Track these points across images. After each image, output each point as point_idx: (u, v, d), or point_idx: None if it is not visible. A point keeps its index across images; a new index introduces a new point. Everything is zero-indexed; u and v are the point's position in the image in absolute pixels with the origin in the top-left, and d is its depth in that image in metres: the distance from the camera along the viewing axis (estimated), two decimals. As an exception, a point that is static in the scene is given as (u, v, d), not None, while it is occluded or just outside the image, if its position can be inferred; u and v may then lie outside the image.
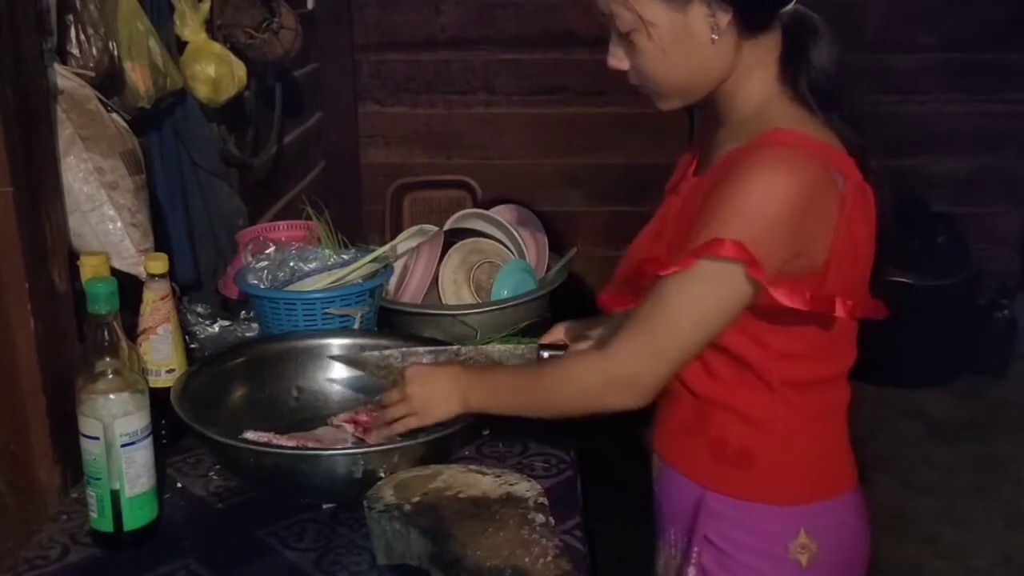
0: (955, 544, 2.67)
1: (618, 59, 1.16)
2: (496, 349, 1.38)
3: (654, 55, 1.10)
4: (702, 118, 1.25)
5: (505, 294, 1.84)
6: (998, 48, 3.46)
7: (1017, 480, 2.96)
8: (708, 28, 1.08)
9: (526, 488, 1.21)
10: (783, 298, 1.05)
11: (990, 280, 3.58)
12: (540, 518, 1.15)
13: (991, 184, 3.62)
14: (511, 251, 1.94)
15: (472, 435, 1.40)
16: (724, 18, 1.07)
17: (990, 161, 3.59)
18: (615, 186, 3.48)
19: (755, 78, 1.12)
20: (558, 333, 1.45)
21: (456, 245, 1.88)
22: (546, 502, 1.19)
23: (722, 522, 1.18)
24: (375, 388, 1.50)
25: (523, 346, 1.39)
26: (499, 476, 1.23)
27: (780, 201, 1.04)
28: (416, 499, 1.16)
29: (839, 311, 1.08)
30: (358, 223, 3.40)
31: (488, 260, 1.88)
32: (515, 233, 1.96)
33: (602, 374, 1.14)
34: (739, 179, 1.05)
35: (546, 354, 1.37)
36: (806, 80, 1.11)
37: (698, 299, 1.08)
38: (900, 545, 2.60)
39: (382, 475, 1.21)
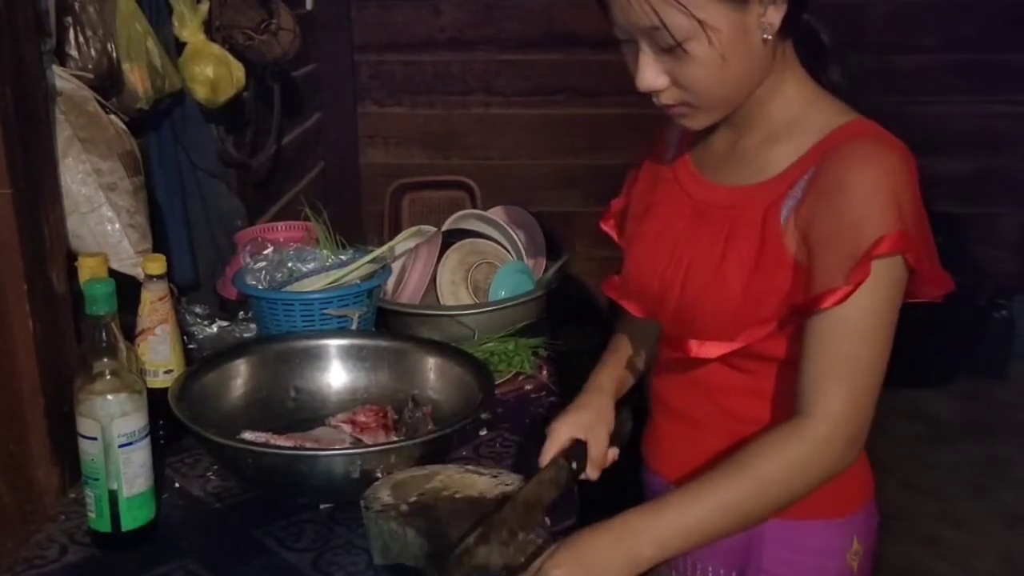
0: (956, 546, 2.67)
1: (653, 78, 1.05)
2: (531, 489, 1.14)
3: (713, 63, 1.02)
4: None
5: (503, 295, 1.84)
6: (1001, 49, 3.46)
7: (1017, 481, 2.96)
8: (760, 28, 1.03)
9: (523, 489, 1.21)
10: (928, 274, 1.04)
11: (989, 281, 3.58)
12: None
13: (991, 185, 3.61)
14: (509, 252, 1.95)
15: (470, 435, 1.40)
16: (777, 16, 1.03)
17: (991, 162, 3.59)
18: (614, 187, 3.46)
19: (789, 79, 1.10)
20: (563, 436, 1.22)
21: (454, 246, 1.89)
22: (543, 502, 1.19)
23: (779, 547, 1.13)
24: (373, 388, 1.50)
25: (549, 471, 1.18)
26: (496, 476, 1.23)
27: (903, 178, 1.02)
28: (413, 499, 1.16)
29: (942, 291, 1.08)
30: (357, 223, 3.40)
31: (486, 261, 1.89)
32: (513, 234, 1.96)
33: (827, 442, 1.02)
34: (854, 175, 1.01)
35: (574, 464, 1.20)
36: (838, 70, 1.11)
37: (883, 305, 1.01)
38: (901, 547, 2.60)
39: (379, 475, 1.22)
